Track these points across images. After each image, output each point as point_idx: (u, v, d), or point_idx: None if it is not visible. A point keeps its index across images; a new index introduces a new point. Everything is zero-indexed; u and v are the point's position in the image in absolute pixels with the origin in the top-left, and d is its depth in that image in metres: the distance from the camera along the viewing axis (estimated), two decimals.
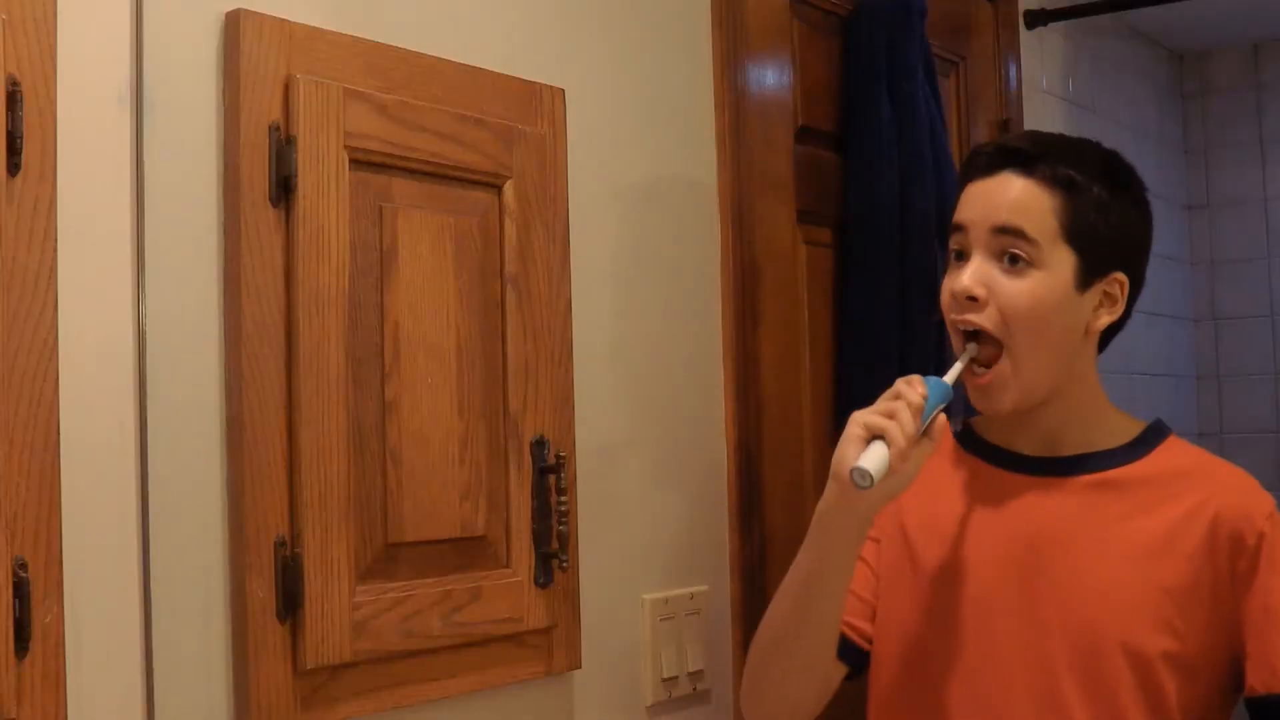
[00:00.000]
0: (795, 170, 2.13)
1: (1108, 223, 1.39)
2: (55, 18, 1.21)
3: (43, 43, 1.20)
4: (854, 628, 1.49)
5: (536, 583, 1.63)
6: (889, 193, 2.20)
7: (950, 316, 1.41)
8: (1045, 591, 1.38)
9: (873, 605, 1.50)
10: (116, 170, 1.29)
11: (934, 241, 2.23)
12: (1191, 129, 3.85)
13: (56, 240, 1.20)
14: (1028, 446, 1.46)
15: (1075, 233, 1.37)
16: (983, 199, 1.40)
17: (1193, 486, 1.40)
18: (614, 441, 1.81)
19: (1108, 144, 1.48)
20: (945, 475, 1.50)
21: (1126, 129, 3.42)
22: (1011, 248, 1.37)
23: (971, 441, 1.52)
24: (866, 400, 2.18)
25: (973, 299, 1.38)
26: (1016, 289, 1.37)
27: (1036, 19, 2.92)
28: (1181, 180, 3.81)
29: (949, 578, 1.44)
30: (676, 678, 1.89)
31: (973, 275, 1.38)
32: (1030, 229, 1.36)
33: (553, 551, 1.64)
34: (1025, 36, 2.88)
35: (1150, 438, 1.46)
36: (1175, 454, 1.45)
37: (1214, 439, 3.75)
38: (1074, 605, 1.37)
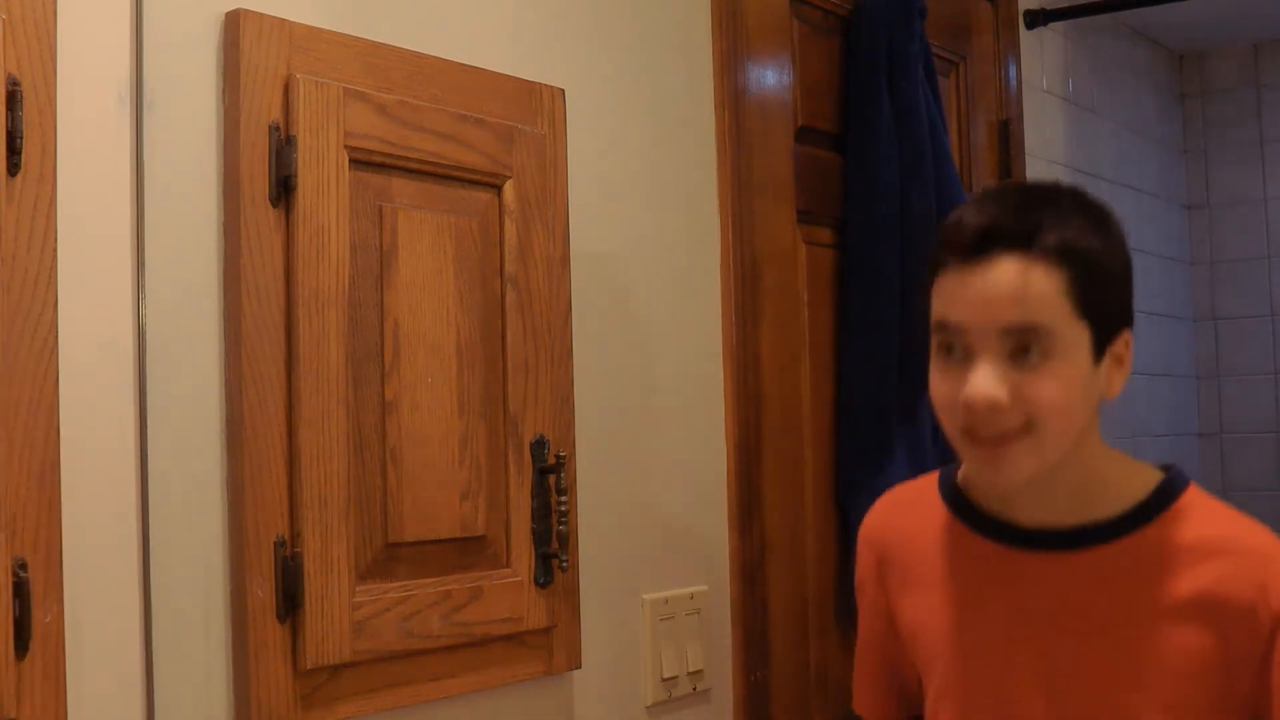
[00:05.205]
0: (795, 170, 2.13)
1: (1109, 279, 1.24)
2: (55, 18, 1.21)
3: (43, 43, 1.20)
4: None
5: (536, 583, 1.63)
6: (889, 193, 2.20)
7: (959, 425, 1.22)
8: (1043, 678, 1.29)
9: (902, 682, 1.45)
10: (116, 170, 1.29)
11: None
12: (1191, 129, 3.85)
13: (56, 240, 1.20)
14: (1024, 516, 1.30)
15: (1087, 306, 1.20)
16: (979, 293, 1.20)
17: (1203, 557, 1.26)
18: (614, 442, 1.81)
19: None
20: (937, 553, 1.39)
21: (1126, 129, 3.42)
22: (1025, 343, 1.19)
23: (961, 507, 1.36)
24: (867, 399, 2.18)
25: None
26: (1044, 387, 1.19)
27: (1036, 19, 2.93)
28: (1181, 180, 3.81)
29: (951, 665, 1.36)
30: (676, 678, 1.89)
31: (991, 380, 1.19)
32: (1045, 320, 1.19)
33: (553, 551, 1.64)
34: (1025, 36, 2.88)
35: (1159, 501, 1.29)
36: (1187, 518, 1.28)
37: (1214, 439, 3.75)
38: (1073, 689, 1.28)
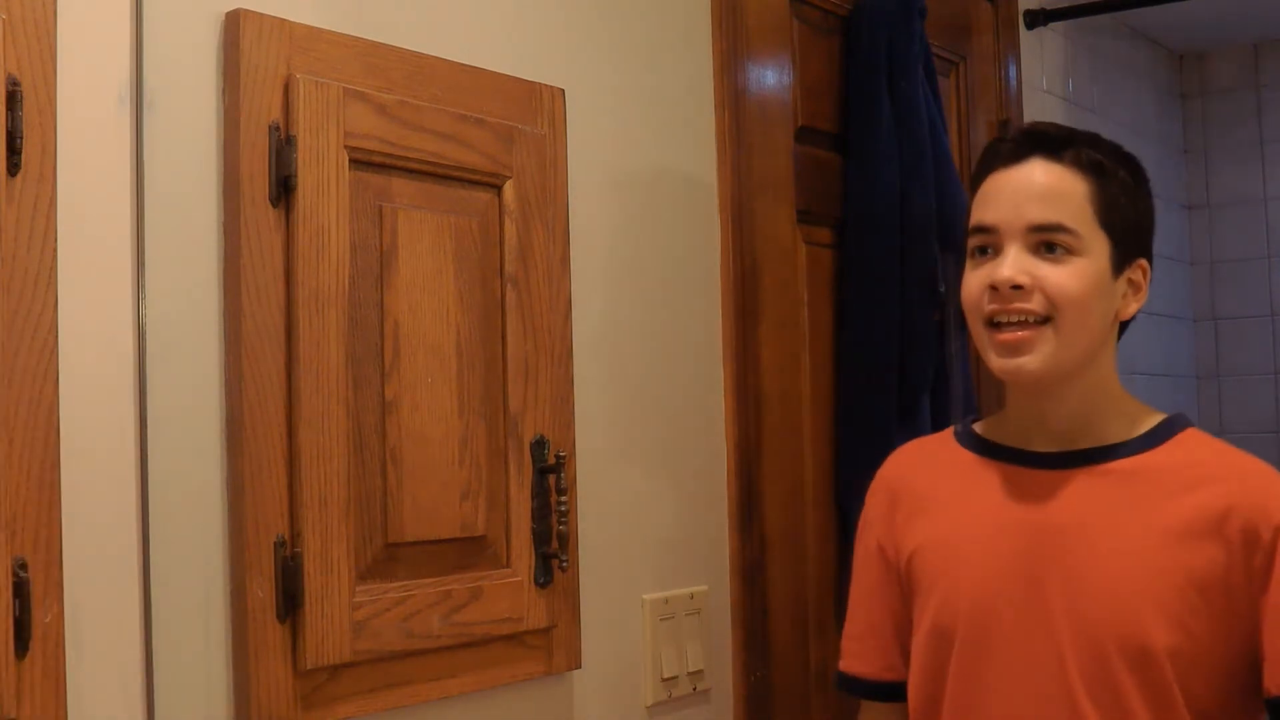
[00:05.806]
0: (795, 170, 2.13)
1: (1134, 208, 1.39)
2: (55, 18, 1.21)
3: (43, 43, 1.20)
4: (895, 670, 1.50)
5: (536, 583, 1.63)
6: (889, 192, 2.20)
7: (987, 308, 1.36)
8: (1055, 585, 1.35)
9: (897, 626, 1.49)
10: (116, 170, 1.29)
11: (934, 241, 2.23)
12: (1191, 129, 3.85)
13: (56, 240, 1.20)
14: (1043, 444, 1.42)
15: (1108, 218, 1.36)
16: (1011, 194, 1.36)
17: (1207, 478, 1.36)
18: (614, 441, 1.81)
19: None
20: (951, 481, 1.47)
21: (1126, 129, 3.42)
22: (1050, 239, 1.34)
23: (983, 447, 1.47)
24: (867, 399, 2.18)
25: (1018, 287, 1.34)
26: (1064, 274, 1.34)
27: (1036, 19, 2.93)
28: (1181, 180, 3.81)
29: (967, 580, 1.41)
30: (676, 678, 1.89)
31: (1014, 264, 1.34)
32: (1068, 220, 1.34)
33: (553, 551, 1.64)
34: (1025, 36, 2.88)
35: (1167, 429, 1.41)
36: (1192, 446, 1.40)
37: None
38: (1081, 599, 1.33)
